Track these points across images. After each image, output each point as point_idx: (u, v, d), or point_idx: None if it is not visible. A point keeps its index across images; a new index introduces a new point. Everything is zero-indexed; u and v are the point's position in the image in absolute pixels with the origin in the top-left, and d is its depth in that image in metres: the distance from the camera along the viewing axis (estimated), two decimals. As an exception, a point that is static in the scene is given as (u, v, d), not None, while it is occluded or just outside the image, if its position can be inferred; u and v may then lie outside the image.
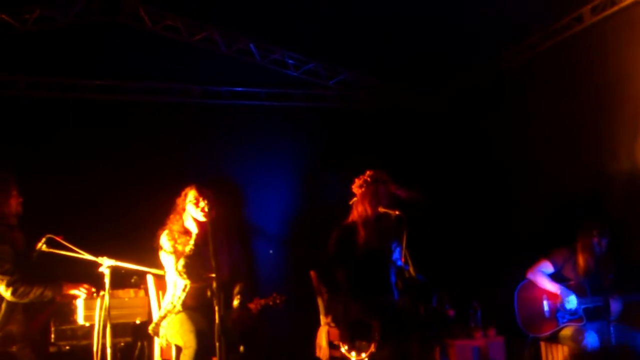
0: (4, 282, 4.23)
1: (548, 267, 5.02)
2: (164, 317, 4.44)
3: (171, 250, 4.41)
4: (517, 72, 6.27)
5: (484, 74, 6.59)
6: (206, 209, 4.28)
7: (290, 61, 6.73)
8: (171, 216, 4.55)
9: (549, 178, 5.83)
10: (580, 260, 4.94)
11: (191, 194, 4.47)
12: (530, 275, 5.05)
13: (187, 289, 4.42)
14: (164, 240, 4.46)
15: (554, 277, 5.01)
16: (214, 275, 4.02)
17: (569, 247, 5.03)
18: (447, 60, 6.51)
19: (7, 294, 4.23)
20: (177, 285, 4.45)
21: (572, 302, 4.84)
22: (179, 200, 4.54)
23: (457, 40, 6.10)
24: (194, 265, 4.36)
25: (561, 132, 5.76)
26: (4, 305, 4.29)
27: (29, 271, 4.36)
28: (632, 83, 5.11)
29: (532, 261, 5.06)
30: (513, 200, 6.14)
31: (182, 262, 4.36)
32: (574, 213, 5.24)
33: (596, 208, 5.24)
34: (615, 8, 5.24)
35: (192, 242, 4.41)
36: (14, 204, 4.40)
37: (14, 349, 4.28)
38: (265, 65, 6.62)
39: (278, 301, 4.60)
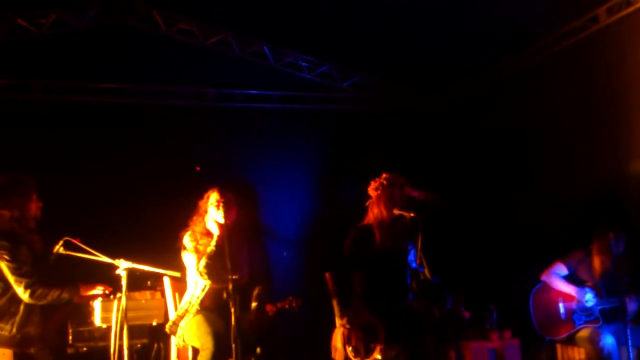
0: (22, 284, 4.26)
1: (562, 269, 5.01)
2: (181, 317, 4.47)
3: (193, 250, 4.49)
4: (532, 73, 6.24)
5: (499, 75, 6.56)
6: (226, 212, 4.34)
7: (303, 64, 6.74)
8: (194, 218, 4.63)
9: (565, 180, 5.80)
10: (596, 262, 4.92)
11: (213, 196, 4.55)
12: (544, 278, 5.04)
13: (206, 289, 4.47)
14: (187, 240, 4.54)
15: (569, 279, 5.00)
16: (233, 277, 4.04)
17: (583, 250, 5.01)
18: (462, 62, 6.49)
19: (25, 296, 4.26)
20: (198, 285, 4.50)
21: (590, 300, 4.83)
22: (201, 203, 4.62)
23: (472, 41, 6.08)
24: (215, 266, 4.42)
25: (577, 133, 5.72)
26: (22, 307, 4.32)
27: (47, 273, 4.40)
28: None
29: (547, 263, 5.05)
30: (529, 202, 6.11)
31: (203, 262, 4.44)
32: (590, 215, 5.22)
33: (613, 210, 5.21)
34: (631, 9, 5.21)
35: (213, 243, 4.48)
36: (34, 207, 4.45)
37: (32, 350, 4.31)
38: (279, 68, 6.64)
39: (294, 305, 4.64)
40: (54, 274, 4.49)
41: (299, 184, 6.81)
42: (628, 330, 4.51)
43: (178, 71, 6.52)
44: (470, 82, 6.89)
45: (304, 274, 6.46)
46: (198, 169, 4.81)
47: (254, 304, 4.59)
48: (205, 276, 4.44)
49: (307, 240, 6.71)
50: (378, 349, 4.26)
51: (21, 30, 5.73)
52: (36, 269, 4.33)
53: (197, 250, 4.49)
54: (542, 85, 6.18)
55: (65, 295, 4.36)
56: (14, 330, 4.27)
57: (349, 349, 4.39)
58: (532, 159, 6.19)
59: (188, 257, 4.52)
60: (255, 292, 4.64)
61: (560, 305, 4.95)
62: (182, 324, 4.43)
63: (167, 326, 4.55)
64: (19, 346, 4.27)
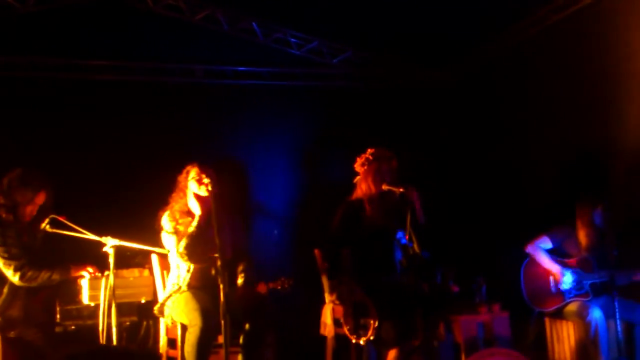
0: (12, 267, 4.25)
1: (547, 243, 5.01)
2: (168, 297, 4.45)
3: (172, 231, 4.40)
4: (524, 47, 6.19)
5: (492, 50, 6.51)
6: (209, 186, 4.24)
7: (293, 40, 6.68)
8: (173, 195, 4.52)
9: (556, 154, 5.80)
10: (582, 236, 4.92)
11: (193, 171, 4.45)
12: (529, 250, 5.02)
13: (191, 270, 4.42)
14: (165, 221, 4.44)
15: (556, 252, 5.00)
16: (216, 255, 3.99)
17: (569, 224, 5.00)
18: (454, 37, 6.44)
19: (15, 279, 4.25)
20: (181, 266, 4.45)
21: (566, 283, 4.84)
22: (181, 178, 4.51)
23: (464, 15, 6.02)
24: (196, 246, 4.34)
25: (568, 106, 5.71)
26: (6, 289, 4.31)
27: (35, 255, 4.39)
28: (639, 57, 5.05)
29: (535, 236, 5.05)
30: (519, 175, 6.11)
31: (183, 243, 4.35)
32: (579, 188, 5.22)
33: (601, 183, 5.22)
34: (622, -19, 5.17)
35: (194, 224, 4.38)
36: (30, 209, 4.41)
37: (12, 334, 4.29)
38: (268, 44, 6.58)
39: (286, 285, 4.61)
40: (42, 254, 4.48)
41: (289, 160, 6.78)
42: (616, 304, 4.52)
43: (166, 48, 6.44)
44: (464, 57, 6.84)
45: (294, 250, 6.46)
46: None
47: (240, 280, 4.57)
48: (185, 258, 4.36)
49: (298, 217, 6.69)
50: (372, 325, 4.24)
51: (5, 7, 5.65)
52: (25, 252, 4.32)
53: (176, 232, 4.39)
54: (533, 60, 6.14)
55: (55, 277, 4.36)
56: None
57: (346, 327, 4.37)
58: (522, 133, 6.17)
59: (167, 239, 4.42)
60: (240, 267, 4.60)
61: (551, 278, 4.95)
62: (169, 303, 4.41)
63: (155, 308, 4.52)
64: (1, 329, 4.26)
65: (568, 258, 4.96)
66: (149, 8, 6.02)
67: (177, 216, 4.44)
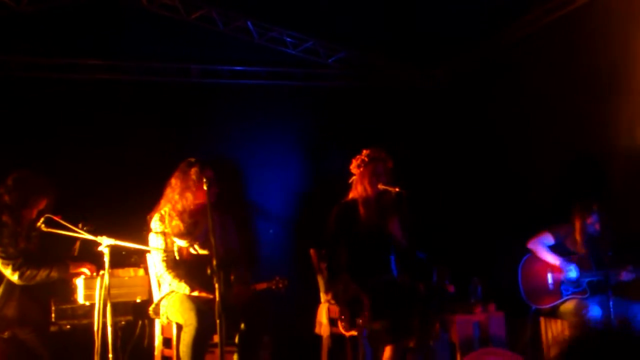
0: (10, 266, 4.25)
1: (549, 239, 5.02)
2: (163, 298, 4.45)
3: (160, 232, 4.44)
4: (519, 48, 6.19)
5: (489, 49, 6.51)
6: (206, 185, 4.23)
7: (288, 39, 6.66)
8: (168, 193, 4.53)
9: (552, 153, 5.80)
10: (578, 235, 4.93)
11: (192, 170, 4.45)
12: (530, 246, 5.03)
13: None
14: (156, 223, 4.48)
15: (556, 249, 5.01)
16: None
17: (569, 223, 5.02)
18: (449, 36, 6.44)
19: (15, 278, 4.25)
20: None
21: (572, 271, 4.85)
22: (178, 177, 4.52)
23: (460, 15, 6.02)
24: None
25: (565, 108, 5.71)
26: (1, 289, 4.30)
27: (32, 254, 4.38)
28: (636, 59, 5.05)
29: (532, 236, 5.06)
30: (515, 176, 6.11)
31: (162, 255, 4.43)
32: (576, 188, 5.23)
33: (598, 183, 5.22)
34: (618, -19, 5.17)
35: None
36: (30, 213, 4.40)
37: (6, 335, 4.28)
38: (263, 43, 6.56)
39: (280, 285, 4.60)
40: (39, 253, 4.48)
41: (284, 160, 6.77)
42: (611, 302, 4.54)
43: (161, 47, 6.42)
44: (460, 57, 6.84)
45: (290, 250, 6.45)
46: None
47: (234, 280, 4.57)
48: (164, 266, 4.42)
49: (294, 216, 6.68)
50: (362, 320, 4.25)
51: (1, 6, 5.62)
52: (22, 251, 4.31)
53: (164, 234, 4.43)
54: (527, 62, 6.14)
55: (54, 274, 4.37)
56: None
57: (341, 323, 4.38)
58: (518, 132, 6.18)
59: (154, 241, 4.48)
60: (233, 274, 4.60)
61: (549, 275, 4.96)
62: (164, 302, 4.41)
63: (150, 309, 4.52)
64: None
65: (568, 255, 4.98)
66: (143, 7, 6.00)
67: (167, 219, 4.43)
